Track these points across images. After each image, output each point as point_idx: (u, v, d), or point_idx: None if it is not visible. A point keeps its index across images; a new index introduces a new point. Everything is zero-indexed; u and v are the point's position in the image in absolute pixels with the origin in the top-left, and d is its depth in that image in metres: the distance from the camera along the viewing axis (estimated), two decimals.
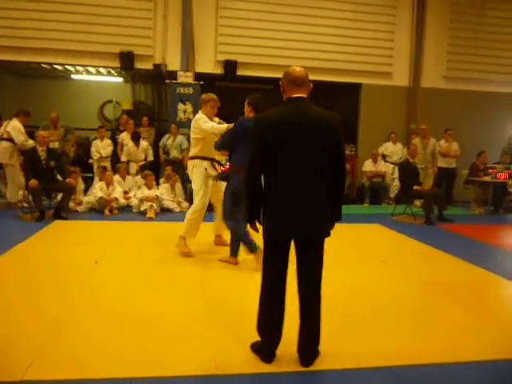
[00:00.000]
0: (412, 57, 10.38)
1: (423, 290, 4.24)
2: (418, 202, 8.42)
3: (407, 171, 8.00)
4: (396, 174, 9.29)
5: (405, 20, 10.30)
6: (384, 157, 10.04)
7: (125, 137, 8.95)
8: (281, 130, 2.60)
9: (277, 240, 2.69)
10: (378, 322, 3.42)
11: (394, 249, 6.00)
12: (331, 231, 2.78)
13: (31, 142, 7.47)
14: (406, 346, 3.04)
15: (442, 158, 9.48)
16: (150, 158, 9.06)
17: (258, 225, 2.80)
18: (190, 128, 5.27)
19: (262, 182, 2.73)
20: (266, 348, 2.77)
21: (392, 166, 9.89)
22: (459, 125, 10.00)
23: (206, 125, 4.91)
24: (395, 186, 9.50)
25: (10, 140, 7.52)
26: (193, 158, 5.16)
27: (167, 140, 9.05)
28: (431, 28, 10.40)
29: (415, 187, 7.80)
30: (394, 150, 10.05)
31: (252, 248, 4.47)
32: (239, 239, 4.65)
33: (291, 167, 2.61)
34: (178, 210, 7.90)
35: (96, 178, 8.37)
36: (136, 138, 8.86)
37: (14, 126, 7.51)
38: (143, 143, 8.94)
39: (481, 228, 7.68)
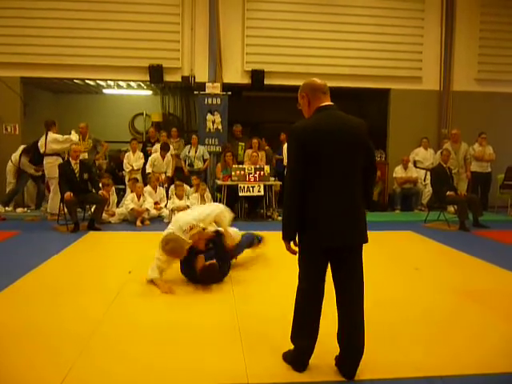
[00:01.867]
0: (442, 60, 10.18)
1: (458, 297, 4.12)
2: (451, 208, 8.21)
3: (440, 176, 7.81)
4: (428, 180, 9.11)
5: (433, 23, 10.13)
6: (415, 163, 9.87)
7: (158, 148, 9.06)
8: (319, 138, 2.57)
9: (319, 248, 2.63)
10: (413, 331, 3.34)
11: (426, 256, 5.87)
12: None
13: (76, 136, 7.98)
14: (444, 356, 2.95)
15: (476, 163, 9.25)
16: (169, 173, 8.94)
17: (292, 245, 2.66)
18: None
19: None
20: (298, 357, 2.75)
21: (424, 171, 9.70)
22: (493, 128, 9.76)
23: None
24: (427, 191, 9.31)
25: (53, 154, 7.83)
26: None
27: (189, 152, 9.19)
28: (461, 30, 10.17)
29: (448, 193, 7.61)
30: (426, 155, 9.84)
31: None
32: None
33: (331, 174, 2.58)
34: None
35: (128, 190, 8.54)
36: (165, 150, 8.86)
37: (54, 139, 7.83)
38: (168, 156, 8.92)
39: None
